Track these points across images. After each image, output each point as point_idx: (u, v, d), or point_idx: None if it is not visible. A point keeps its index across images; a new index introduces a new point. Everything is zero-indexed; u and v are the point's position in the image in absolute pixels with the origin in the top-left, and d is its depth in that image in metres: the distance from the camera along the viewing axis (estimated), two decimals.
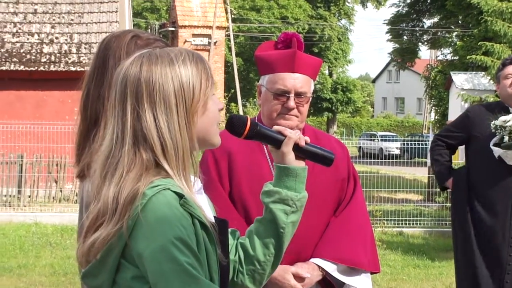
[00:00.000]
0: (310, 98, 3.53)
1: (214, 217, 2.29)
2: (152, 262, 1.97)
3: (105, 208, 2.04)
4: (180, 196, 2.02)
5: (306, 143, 2.38)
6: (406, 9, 38.31)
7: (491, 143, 5.41)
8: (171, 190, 2.02)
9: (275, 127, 2.39)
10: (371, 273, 3.68)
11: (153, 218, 1.99)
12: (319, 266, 3.47)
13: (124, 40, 2.82)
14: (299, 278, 3.40)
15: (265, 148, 3.53)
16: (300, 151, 2.37)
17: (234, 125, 2.35)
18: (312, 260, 3.48)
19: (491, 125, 5.38)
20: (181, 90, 2.09)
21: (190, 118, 2.10)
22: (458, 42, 28.46)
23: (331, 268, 3.48)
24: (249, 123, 2.35)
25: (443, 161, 5.88)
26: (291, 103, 3.44)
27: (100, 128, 2.72)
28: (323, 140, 3.60)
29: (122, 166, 2.05)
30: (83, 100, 2.79)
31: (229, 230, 2.39)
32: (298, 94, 3.45)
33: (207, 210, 2.25)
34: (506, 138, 5.29)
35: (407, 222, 14.56)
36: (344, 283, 3.53)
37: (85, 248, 2.07)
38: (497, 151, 5.37)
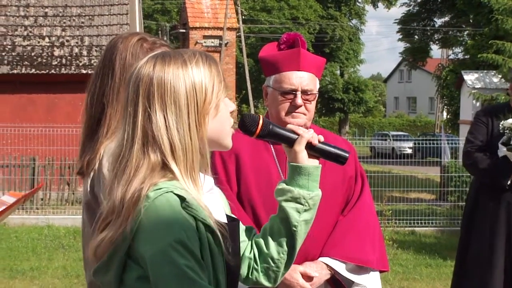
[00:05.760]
0: (317, 96, 3.55)
1: (226, 215, 2.29)
2: (153, 265, 1.99)
3: (113, 207, 2.05)
4: (182, 199, 2.03)
5: (319, 142, 2.38)
6: (417, 8, 38.14)
7: (500, 142, 5.40)
8: (174, 193, 2.02)
9: (288, 126, 2.39)
10: (380, 272, 3.68)
11: (154, 221, 2.00)
12: (327, 265, 3.48)
13: (130, 42, 2.86)
14: (307, 277, 3.41)
15: (273, 149, 3.55)
16: (313, 150, 2.38)
17: (246, 124, 2.34)
18: (321, 259, 3.49)
19: (500, 125, 5.38)
20: (193, 91, 2.09)
21: (201, 120, 2.10)
22: (469, 41, 28.34)
23: (340, 267, 3.49)
24: (261, 121, 2.34)
25: (489, 159, 5.50)
26: (299, 100, 3.45)
27: (102, 128, 2.75)
28: (330, 140, 3.60)
29: (130, 166, 2.06)
30: (89, 99, 2.83)
31: (245, 227, 2.41)
32: (304, 92, 3.47)
33: (218, 209, 2.24)
34: None
35: (420, 221, 14.54)
36: (353, 282, 3.53)
37: (93, 247, 2.08)
38: (503, 151, 5.37)
